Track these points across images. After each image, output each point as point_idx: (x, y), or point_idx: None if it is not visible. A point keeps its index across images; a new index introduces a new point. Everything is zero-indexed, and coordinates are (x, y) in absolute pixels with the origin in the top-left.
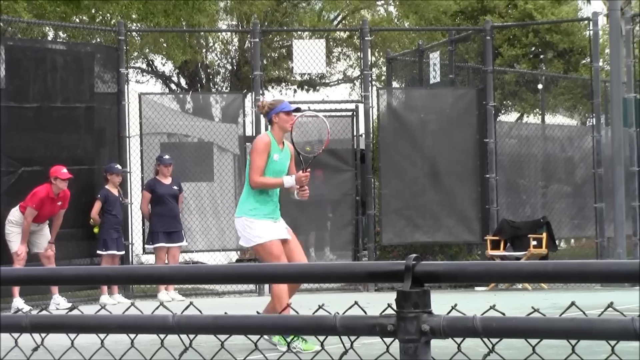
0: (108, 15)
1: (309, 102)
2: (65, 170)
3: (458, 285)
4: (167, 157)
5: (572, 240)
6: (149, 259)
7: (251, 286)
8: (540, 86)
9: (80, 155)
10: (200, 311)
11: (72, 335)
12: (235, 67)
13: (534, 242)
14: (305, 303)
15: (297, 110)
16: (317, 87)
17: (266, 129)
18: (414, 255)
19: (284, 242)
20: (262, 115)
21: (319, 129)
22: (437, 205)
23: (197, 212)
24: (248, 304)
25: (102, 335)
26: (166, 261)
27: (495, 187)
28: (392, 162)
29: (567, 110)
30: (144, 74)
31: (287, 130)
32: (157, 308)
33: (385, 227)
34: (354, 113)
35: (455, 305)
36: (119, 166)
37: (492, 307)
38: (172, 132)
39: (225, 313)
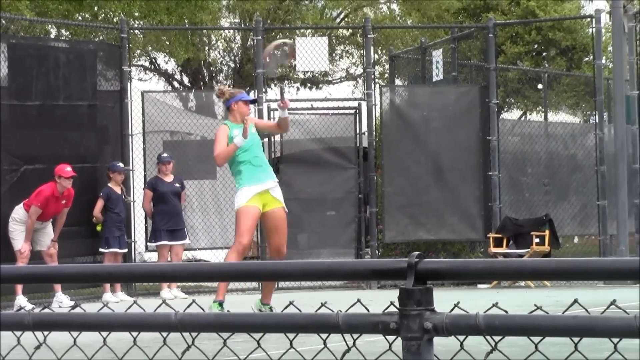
0: (110, 13)
1: (311, 99)
2: (69, 168)
3: (461, 282)
4: (165, 155)
5: (576, 238)
6: (152, 257)
7: (254, 284)
8: (540, 86)
9: (82, 153)
10: (202, 309)
11: (75, 334)
12: (238, 65)
13: (537, 240)
14: (307, 301)
15: (254, 101)
16: (320, 85)
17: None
18: (417, 252)
19: (270, 216)
20: (221, 102)
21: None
22: (440, 203)
23: (199, 210)
24: (250, 301)
25: (104, 333)
26: (169, 259)
27: (498, 185)
28: (395, 160)
29: (570, 108)
30: (147, 71)
31: (244, 116)
32: (159, 306)
33: (388, 225)
34: (357, 111)
35: (458, 302)
36: (121, 164)
37: (495, 305)
38: (175, 130)
39: (228, 311)
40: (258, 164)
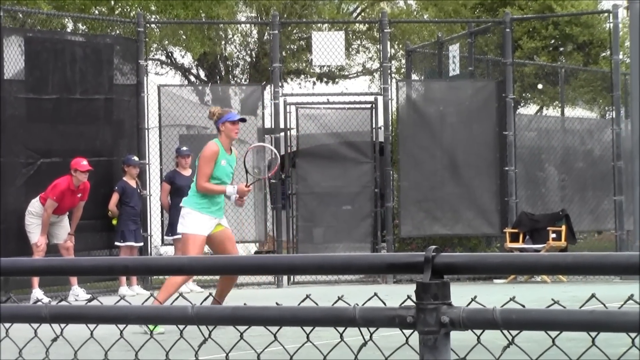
0: (127, 7)
1: (328, 94)
2: (85, 162)
3: (477, 277)
4: (184, 148)
5: (596, 235)
6: (168, 251)
7: (270, 278)
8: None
9: (98, 147)
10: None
11: (91, 326)
12: (254, 59)
13: (553, 235)
14: (324, 295)
15: (242, 120)
16: (336, 80)
17: (285, 122)
18: (434, 246)
19: (218, 236)
20: (213, 123)
21: (271, 159)
22: (456, 198)
23: None
24: (266, 295)
25: (121, 326)
26: None
27: (515, 180)
28: (411, 155)
29: (587, 103)
30: (163, 65)
31: (232, 137)
32: (176, 299)
33: (404, 220)
34: (373, 105)
35: (475, 297)
36: (136, 158)
37: (512, 299)
38: (191, 124)
39: (244, 304)
40: (221, 200)
